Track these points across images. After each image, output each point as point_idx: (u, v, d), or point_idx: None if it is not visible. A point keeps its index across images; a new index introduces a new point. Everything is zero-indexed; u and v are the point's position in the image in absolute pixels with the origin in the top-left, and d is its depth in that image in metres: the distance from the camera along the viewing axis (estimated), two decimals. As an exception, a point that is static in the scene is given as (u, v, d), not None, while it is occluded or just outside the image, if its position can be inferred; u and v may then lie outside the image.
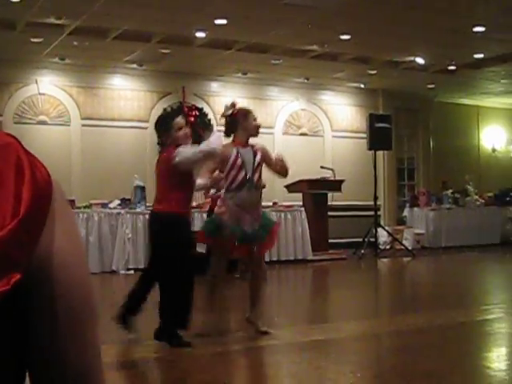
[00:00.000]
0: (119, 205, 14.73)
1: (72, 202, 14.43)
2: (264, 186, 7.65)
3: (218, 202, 7.58)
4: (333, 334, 7.38)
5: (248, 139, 7.44)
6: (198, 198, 13.51)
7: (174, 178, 6.95)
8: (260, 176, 7.36)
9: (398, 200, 21.54)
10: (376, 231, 17.32)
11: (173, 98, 17.89)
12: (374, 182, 17.25)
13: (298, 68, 17.56)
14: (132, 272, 13.97)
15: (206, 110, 18.19)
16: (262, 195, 7.59)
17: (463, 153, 22.89)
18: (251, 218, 7.23)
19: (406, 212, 20.36)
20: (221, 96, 18.55)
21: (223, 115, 7.74)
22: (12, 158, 0.92)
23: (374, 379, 5.94)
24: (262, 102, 19.07)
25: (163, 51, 15.47)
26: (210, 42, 15.13)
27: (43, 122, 16.34)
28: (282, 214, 14.67)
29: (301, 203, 16.29)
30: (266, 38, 14.83)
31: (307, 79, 18.94)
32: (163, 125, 7.33)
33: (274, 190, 15.11)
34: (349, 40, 14.90)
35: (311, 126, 19.76)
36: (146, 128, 17.48)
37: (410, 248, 17.66)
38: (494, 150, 24.10)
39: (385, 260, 16.80)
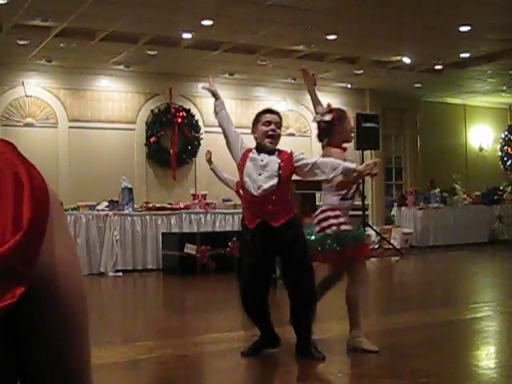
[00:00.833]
0: (107, 206, 14.72)
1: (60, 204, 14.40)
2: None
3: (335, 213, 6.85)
4: (321, 333, 7.38)
5: (342, 145, 7.01)
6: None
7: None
8: None
9: (386, 199, 21.58)
10: (364, 231, 17.32)
11: (160, 99, 17.88)
12: (362, 182, 17.25)
13: (284, 68, 17.56)
14: (120, 274, 13.97)
15: (193, 111, 18.17)
16: None
17: (450, 152, 22.95)
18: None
19: (393, 211, 20.40)
20: (208, 97, 18.37)
21: (319, 121, 7.19)
22: (9, 168, 0.91)
23: (361, 378, 5.95)
24: (249, 103, 19.08)
25: (150, 53, 15.46)
26: (197, 43, 15.13)
27: (30, 125, 16.29)
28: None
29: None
30: (252, 39, 14.83)
31: (294, 79, 18.93)
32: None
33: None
34: (335, 40, 14.93)
35: (299, 127, 19.77)
36: (133, 129, 17.46)
37: (398, 247, 17.71)
38: (481, 149, 24.17)
39: (373, 259, 16.82)
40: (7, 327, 0.94)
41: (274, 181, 6.32)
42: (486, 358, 6.47)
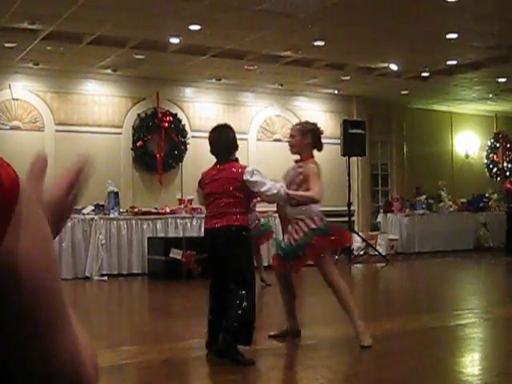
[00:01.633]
0: (93, 210, 14.68)
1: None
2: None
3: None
4: (306, 339, 7.39)
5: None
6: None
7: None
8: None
9: (372, 206, 21.61)
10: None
11: (147, 103, 17.86)
12: (348, 188, 17.31)
13: (272, 74, 17.59)
14: (105, 278, 13.93)
15: (180, 115, 18.16)
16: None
17: (437, 159, 23.01)
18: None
19: (379, 218, 20.43)
20: (195, 102, 18.55)
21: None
22: None
23: (346, 384, 5.96)
24: (236, 108, 19.10)
25: (137, 57, 15.44)
26: (184, 47, 15.12)
27: (16, 128, 16.25)
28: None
29: (275, 209, 16.27)
30: (240, 44, 14.84)
31: (281, 85, 18.97)
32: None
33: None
34: (323, 46, 14.95)
35: (285, 132, 19.71)
36: (119, 133, 17.44)
37: (383, 254, 17.74)
38: (467, 156, 24.25)
39: (359, 266, 16.85)
40: None
41: None
42: (470, 364, 6.49)
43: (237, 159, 6.89)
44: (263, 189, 6.54)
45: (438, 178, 21.40)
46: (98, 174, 16.16)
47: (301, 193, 6.99)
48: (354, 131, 17.48)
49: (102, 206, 14.77)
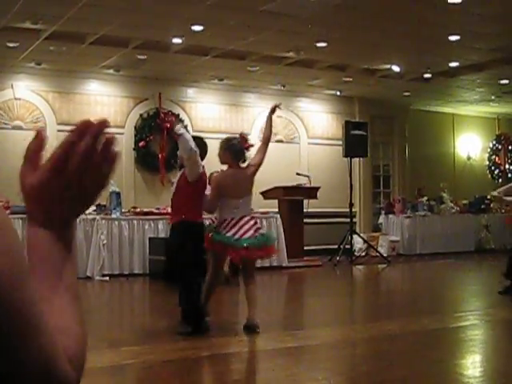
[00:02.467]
0: (94, 210, 14.67)
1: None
2: None
3: None
4: (307, 340, 7.39)
5: None
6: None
7: None
8: None
9: (374, 207, 21.61)
10: (351, 238, 17.36)
11: (149, 103, 17.87)
12: (350, 189, 17.29)
13: (274, 75, 17.60)
14: (107, 278, 13.93)
15: (183, 116, 18.18)
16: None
17: (438, 160, 23.02)
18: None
19: (381, 219, 20.41)
20: (197, 102, 18.56)
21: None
22: None
23: (347, 386, 5.96)
24: (239, 109, 19.11)
25: (140, 57, 15.45)
26: (187, 48, 15.13)
27: (18, 127, 16.26)
28: (258, 221, 14.63)
29: (276, 210, 16.31)
30: (242, 45, 14.85)
31: (283, 86, 18.98)
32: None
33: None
34: (325, 47, 14.95)
35: (287, 133, 19.79)
36: (122, 134, 17.43)
37: (385, 255, 17.72)
38: (469, 158, 24.25)
39: (360, 267, 16.84)
40: None
41: None
42: (472, 366, 6.49)
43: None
44: None
45: (439, 179, 21.37)
46: (100, 174, 16.25)
47: None
48: (356, 132, 17.47)
49: (104, 206, 14.75)
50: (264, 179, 16.95)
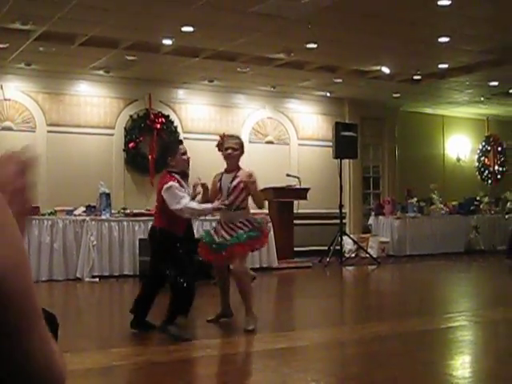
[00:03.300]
0: (84, 212, 14.67)
1: (37, 208, 14.34)
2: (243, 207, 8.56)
3: None
4: (297, 342, 7.40)
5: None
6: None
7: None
8: (237, 197, 8.38)
9: (364, 208, 21.63)
10: (341, 239, 17.38)
11: (139, 104, 17.85)
12: (340, 191, 17.32)
13: (264, 76, 17.60)
14: (97, 279, 13.91)
15: (172, 117, 18.17)
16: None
17: (428, 162, 23.08)
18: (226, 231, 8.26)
19: (371, 220, 20.45)
20: (187, 103, 18.55)
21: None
22: None
23: (337, 387, 5.97)
24: (229, 110, 19.11)
25: (130, 58, 15.43)
26: (177, 49, 15.12)
27: (8, 128, 16.21)
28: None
29: (266, 211, 16.31)
30: (232, 46, 14.85)
31: (274, 87, 18.98)
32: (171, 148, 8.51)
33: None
34: (315, 49, 14.96)
35: (277, 134, 19.80)
36: (111, 135, 17.43)
37: (375, 256, 17.76)
38: (458, 160, 24.31)
39: (350, 268, 16.87)
40: None
41: None
42: (461, 367, 6.51)
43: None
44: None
45: (429, 180, 21.42)
46: (90, 176, 16.27)
47: None
48: (346, 134, 17.49)
49: (94, 207, 14.74)
50: (254, 180, 16.98)
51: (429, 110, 23.06)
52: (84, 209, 14.75)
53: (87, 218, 14.31)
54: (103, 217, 14.52)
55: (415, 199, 20.59)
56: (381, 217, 20.19)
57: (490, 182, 24.80)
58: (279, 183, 16.49)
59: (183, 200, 7.77)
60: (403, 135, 22.32)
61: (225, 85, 18.56)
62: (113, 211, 15.02)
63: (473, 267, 18.07)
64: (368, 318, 9.48)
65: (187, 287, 7.63)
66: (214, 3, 11.92)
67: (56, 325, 3.21)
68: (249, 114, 19.48)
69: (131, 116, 17.70)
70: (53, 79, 16.69)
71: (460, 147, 24.35)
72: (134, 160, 17.57)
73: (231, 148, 8.50)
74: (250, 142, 19.26)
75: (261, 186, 15.32)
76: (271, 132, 19.65)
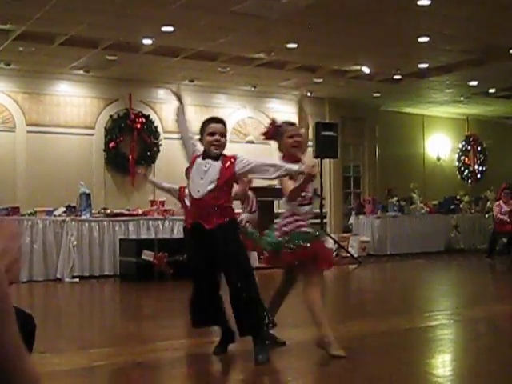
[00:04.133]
0: (64, 212, 14.62)
1: (16, 208, 14.29)
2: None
3: None
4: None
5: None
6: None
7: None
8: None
9: (344, 208, 21.68)
10: (322, 233, 17.36)
11: (119, 104, 17.81)
12: (320, 190, 17.32)
13: (245, 76, 17.60)
14: (77, 280, 13.87)
15: (153, 117, 18.14)
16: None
17: (408, 161, 23.15)
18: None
19: (351, 220, 20.49)
20: (168, 103, 18.47)
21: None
22: None
23: (317, 386, 5.97)
24: (209, 110, 19.06)
25: (110, 58, 15.39)
26: (157, 49, 15.10)
27: (-13, 128, 16.16)
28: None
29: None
30: (213, 46, 14.84)
31: (254, 87, 18.99)
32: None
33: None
34: (295, 49, 14.99)
35: (258, 134, 19.77)
36: (92, 135, 17.38)
37: (355, 255, 17.80)
38: (438, 159, 24.41)
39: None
40: None
41: (212, 185, 6.48)
42: (441, 365, 6.52)
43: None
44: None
45: (409, 180, 21.50)
46: (70, 176, 16.20)
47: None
48: (327, 133, 17.49)
49: (74, 207, 14.70)
50: (235, 180, 16.96)
51: (409, 110, 23.14)
52: (64, 209, 14.70)
53: (67, 219, 14.26)
54: (83, 217, 14.48)
55: (396, 198, 20.66)
56: (361, 216, 20.24)
57: (470, 181, 24.93)
58: (260, 183, 16.46)
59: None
60: (384, 135, 22.39)
61: (205, 84, 18.55)
62: (93, 211, 14.98)
63: (453, 266, 18.14)
64: (348, 317, 9.49)
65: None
66: (194, 3, 11.92)
67: (33, 325, 3.16)
68: (229, 114, 19.45)
69: (111, 116, 17.65)
70: (32, 79, 16.63)
71: (440, 146, 24.45)
72: (115, 160, 17.53)
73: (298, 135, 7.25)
74: (231, 141, 19.23)
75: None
76: (252, 132, 19.64)
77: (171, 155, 16.63)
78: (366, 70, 17.17)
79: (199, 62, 15.97)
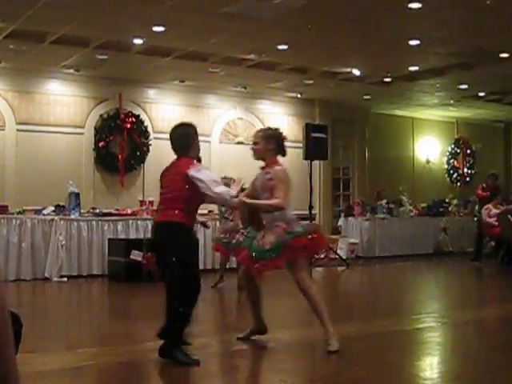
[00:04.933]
0: (53, 211, 14.58)
1: (5, 207, 14.25)
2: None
3: None
4: (265, 342, 7.40)
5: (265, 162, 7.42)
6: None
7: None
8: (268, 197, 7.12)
9: (333, 210, 21.69)
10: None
11: (109, 104, 17.78)
12: (310, 192, 17.34)
13: (235, 77, 17.60)
14: (65, 279, 13.83)
15: (143, 117, 18.11)
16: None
17: (398, 164, 23.19)
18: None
19: (340, 222, 20.52)
20: (158, 103, 18.50)
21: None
22: None
23: (305, 387, 5.98)
24: (199, 110, 19.08)
25: (100, 57, 15.36)
26: (148, 48, 15.08)
27: (-23, 126, 16.13)
28: (217, 223, 14.62)
29: (236, 212, 16.30)
30: (203, 46, 14.84)
31: (245, 88, 18.98)
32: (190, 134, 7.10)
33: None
34: (286, 50, 14.99)
35: (248, 135, 19.78)
36: (81, 134, 17.34)
37: (344, 257, 17.82)
38: (427, 162, 24.45)
39: (319, 269, 16.89)
40: None
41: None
42: (429, 368, 6.54)
43: (199, 159, 7.05)
44: (208, 185, 6.58)
45: (398, 182, 21.55)
46: (59, 175, 16.17)
47: (262, 202, 7.04)
48: (317, 135, 17.50)
49: (63, 206, 14.66)
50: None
51: (399, 112, 23.18)
52: (53, 208, 14.67)
53: (56, 218, 14.22)
54: (72, 216, 14.45)
55: (385, 201, 20.69)
56: (350, 218, 20.27)
57: (459, 184, 24.98)
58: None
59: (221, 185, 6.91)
60: (373, 137, 22.42)
61: (196, 85, 18.55)
62: (82, 211, 14.95)
63: (441, 269, 18.18)
64: (336, 319, 9.48)
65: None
66: (185, 3, 11.90)
67: (19, 325, 3.15)
68: (220, 115, 19.48)
69: (101, 115, 17.62)
70: (23, 77, 16.59)
71: (429, 149, 24.49)
72: (104, 160, 17.50)
73: (254, 142, 7.56)
74: (221, 142, 19.28)
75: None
76: (242, 133, 19.65)
77: (161, 155, 16.59)
78: (356, 72, 17.19)
79: (190, 62, 15.95)
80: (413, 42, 14.45)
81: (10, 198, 15.53)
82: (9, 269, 13.54)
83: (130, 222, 15.13)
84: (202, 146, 7.29)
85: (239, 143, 19.44)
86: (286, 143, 7.72)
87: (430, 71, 17.44)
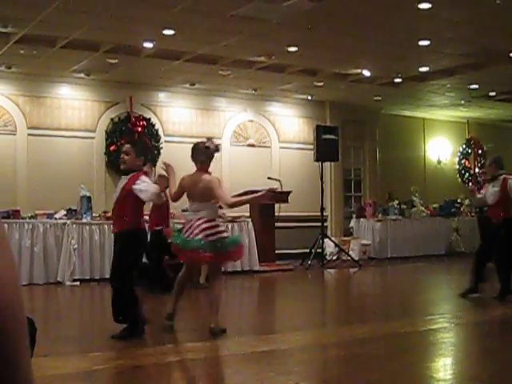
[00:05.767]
0: (65, 215, 14.61)
1: (17, 212, 14.29)
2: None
3: None
4: (278, 344, 7.40)
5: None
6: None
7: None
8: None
9: (345, 211, 21.66)
10: (323, 242, 17.40)
11: (120, 107, 17.80)
12: (321, 193, 17.34)
13: (245, 79, 17.60)
14: (78, 283, 13.85)
15: (154, 120, 18.13)
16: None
17: (409, 164, 23.14)
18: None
19: (352, 223, 20.49)
20: (168, 106, 18.52)
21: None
22: None
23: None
24: (210, 113, 19.09)
25: (111, 61, 15.39)
26: (158, 52, 15.10)
27: (-12, 131, 16.17)
28: (229, 225, 14.64)
29: (248, 214, 16.31)
30: (213, 49, 14.84)
31: (255, 90, 18.98)
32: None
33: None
34: (296, 52, 14.99)
35: (259, 137, 19.80)
36: (92, 138, 17.38)
37: (356, 259, 17.79)
38: (439, 162, 24.40)
39: (331, 271, 16.88)
40: None
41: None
42: (442, 369, 6.52)
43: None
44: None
45: (410, 183, 21.51)
46: (71, 179, 16.20)
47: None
48: (327, 137, 17.51)
49: (75, 210, 14.69)
50: (235, 183, 16.97)
51: (409, 113, 23.14)
52: (65, 212, 14.70)
53: (68, 222, 14.25)
54: (84, 220, 14.48)
55: (396, 202, 20.66)
56: (362, 219, 20.25)
57: (470, 184, 24.90)
58: (261, 186, 16.41)
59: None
60: (384, 138, 22.38)
61: (206, 88, 18.56)
62: (94, 214, 14.97)
63: (453, 269, 18.13)
64: (349, 321, 9.49)
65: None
66: (195, 6, 11.91)
67: (34, 329, 3.16)
68: (230, 117, 19.48)
69: (112, 119, 17.65)
70: (33, 82, 16.63)
71: (441, 150, 24.45)
72: (115, 163, 17.45)
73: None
74: (232, 145, 19.28)
75: (242, 188, 15.45)
76: (252, 135, 19.65)
77: (172, 158, 16.54)
78: (366, 73, 17.17)
79: (200, 65, 15.97)
80: (423, 43, 14.42)
81: (22, 202, 15.57)
82: (21, 273, 13.56)
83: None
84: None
85: (250, 146, 19.43)
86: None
87: (441, 71, 17.41)
